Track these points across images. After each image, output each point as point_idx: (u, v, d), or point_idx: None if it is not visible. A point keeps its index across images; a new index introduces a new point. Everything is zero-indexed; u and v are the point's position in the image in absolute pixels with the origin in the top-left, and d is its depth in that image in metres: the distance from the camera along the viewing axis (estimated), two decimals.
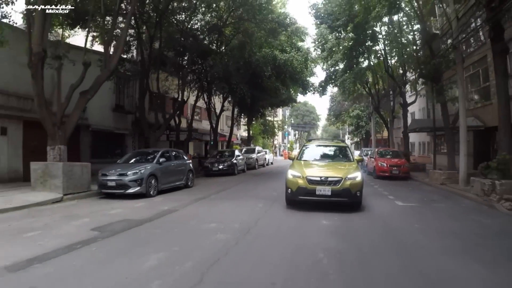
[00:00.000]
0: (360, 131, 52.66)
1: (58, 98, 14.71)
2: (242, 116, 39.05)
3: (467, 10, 15.82)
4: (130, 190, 12.95)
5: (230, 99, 32.34)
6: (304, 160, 12.28)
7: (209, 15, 25.74)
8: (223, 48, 27.90)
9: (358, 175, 10.50)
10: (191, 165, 17.87)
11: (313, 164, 11.81)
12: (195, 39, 24.50)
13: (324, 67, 32.90)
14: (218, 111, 32.84)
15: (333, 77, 32.94)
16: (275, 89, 30.74)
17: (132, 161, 15.16)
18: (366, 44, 27.04)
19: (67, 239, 7.03)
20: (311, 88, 34.47)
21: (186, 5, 23.34)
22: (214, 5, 24.15)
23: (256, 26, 24.99)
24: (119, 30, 19.23)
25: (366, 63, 31.10)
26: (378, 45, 28.37)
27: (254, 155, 32.46)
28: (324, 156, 12.97)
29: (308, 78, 34.27)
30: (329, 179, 10.23)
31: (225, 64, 24.16)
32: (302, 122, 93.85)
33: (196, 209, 11.22)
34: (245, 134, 48.87)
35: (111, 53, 16.04)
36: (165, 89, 26.05)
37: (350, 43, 26.29)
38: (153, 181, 13.73)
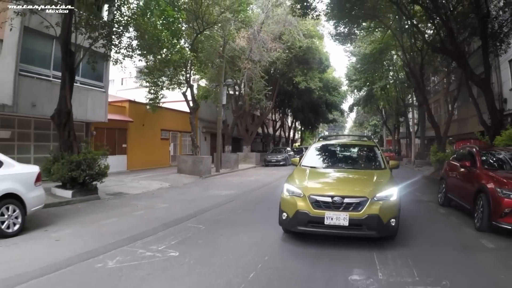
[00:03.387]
0: (376, 135, 71.84)
1: (249, 124, 34.88)
2: (299, 126, 59.27)
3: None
4: (280, 163, 32.74)
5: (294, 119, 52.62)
6: (310, 167, 8.14)
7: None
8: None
9: (393, 193, 6.63)
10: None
11: (322, 174, 7.97)
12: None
13: (352, 97, 52.52)
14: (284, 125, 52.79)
15: (358, 102, 52.07)
16: (326, 114, 50.34)
17: (274, 152, 35.16)
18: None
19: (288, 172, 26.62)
20: (345, 112, 54.43)
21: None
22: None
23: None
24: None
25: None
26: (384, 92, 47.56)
27: None
28: (341, 161, 8.86)
29: (342, 106, 53.59)
30: (346, 200, 6.39)
31: (301, 101, 43.09)
32: (333, 124, 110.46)
33: None
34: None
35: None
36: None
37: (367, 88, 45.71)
38: (286, 160, 33.28)
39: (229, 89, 32.65)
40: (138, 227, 8.47)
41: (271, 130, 49.85)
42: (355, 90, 47.77)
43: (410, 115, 40.14)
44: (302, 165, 8.43)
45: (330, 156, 9.15)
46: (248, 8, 25.47)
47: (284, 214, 6.91)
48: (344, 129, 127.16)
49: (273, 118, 48.78)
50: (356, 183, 7.25)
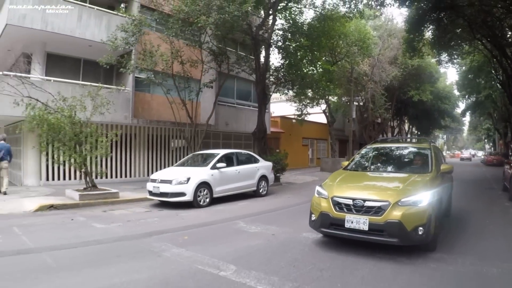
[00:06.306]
0: (490, 139, 72.16)
1: (371, 131, 40.82)
2: (416, 131, 63.13)
3: None
4: None
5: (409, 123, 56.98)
6: (351, 170, 8.11)
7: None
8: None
9: (422, 198, 6.07)
10: None
11: (356, 177, 7.55)
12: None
13: (463, 102, 54.72)
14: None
15: (468, 107, 54.09)
16: (438, 120, 53.91)
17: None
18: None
19: None
20: (459, 117, 57.22)
21: None
22: None
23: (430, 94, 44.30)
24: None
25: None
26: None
27: None
28: (384, 165, 8.39)
29: (454, 112, 55.98)
30: (367, 203, 6.12)
31: (415, 110, 47.25)
32: (450, 129, 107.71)
33: None
34: None
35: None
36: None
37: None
38: None
39: (354, 102, 38.92)
40: None
41: (390, 135, 53.36)
42: (466, 96, 49.89)
43: None
44: (346, 168, 8.22)
45: (375, 159, 8.65)
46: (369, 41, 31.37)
47: (313, 215, 6.84)
48: (462, 133, 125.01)
49: (392, 125, 53.24)
50: (384, 187, 6.80)
